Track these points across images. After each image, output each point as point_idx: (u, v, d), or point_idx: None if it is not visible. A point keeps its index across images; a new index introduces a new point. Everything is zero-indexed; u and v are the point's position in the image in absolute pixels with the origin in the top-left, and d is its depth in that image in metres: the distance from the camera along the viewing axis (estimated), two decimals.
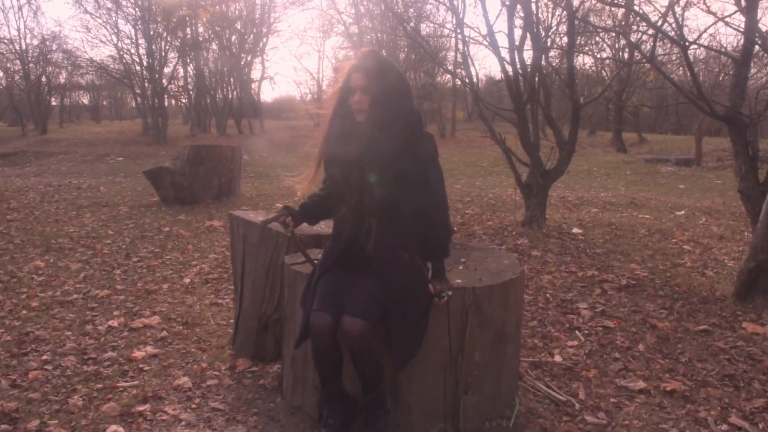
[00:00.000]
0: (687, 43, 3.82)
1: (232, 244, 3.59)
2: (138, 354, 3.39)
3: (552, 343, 3.59)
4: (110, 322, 3.90)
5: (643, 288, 4.59)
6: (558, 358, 3.38)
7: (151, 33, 19.84)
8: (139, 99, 22.60)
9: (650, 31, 4.42)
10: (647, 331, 3.73)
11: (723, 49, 4.48)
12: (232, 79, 27.77)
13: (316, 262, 2.57)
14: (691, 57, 5.57)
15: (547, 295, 4.43)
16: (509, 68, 6.07)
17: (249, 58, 26.78)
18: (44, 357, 3.34)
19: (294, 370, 2.79)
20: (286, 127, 31.44)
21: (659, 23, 3.87)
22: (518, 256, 5.53)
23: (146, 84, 20.70)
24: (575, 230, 6.47)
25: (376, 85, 2.23)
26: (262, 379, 3.11)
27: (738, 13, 4.17)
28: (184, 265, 5.37)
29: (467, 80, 6.65)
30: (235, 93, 26.85)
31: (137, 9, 19.75)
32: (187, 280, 4.89)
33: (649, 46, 4.07)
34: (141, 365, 3.27)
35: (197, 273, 5.13)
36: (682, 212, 8.06)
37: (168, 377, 3.12)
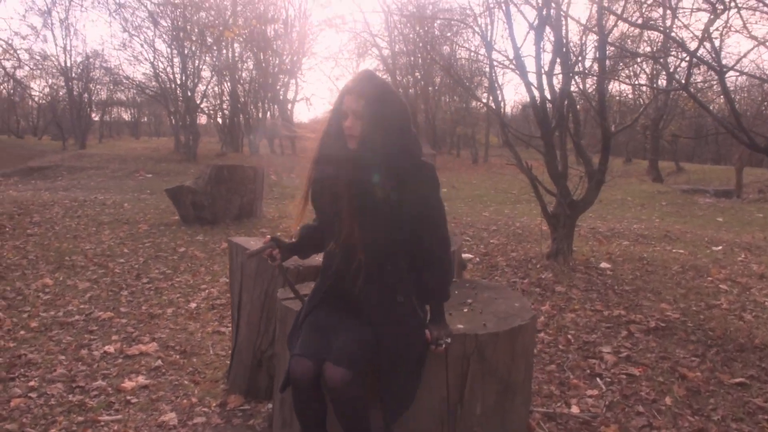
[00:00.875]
0: (724, 69, 3.54)
1: (230, 272, 3.42)
2: (128, 384, 3.23)
3: (570, 392, 3.31)
4: (106, 347, 3.76)
5: (674, 332, 4.26)
6: (575, 409, 3.10)
7: (186, 51, 20.16)
8: (172, 117, 22.95)
9: (686, 57, 4.17)
10: (675, 382, 3.41)
11: (764, 76, 4.19)
12: (266, 99, 28.09)
13: (306, 297, 2.38)
14: (730, 85, 5.28)
15: (569, 336, 4.13)
16: (536, 93, 5.84)
17: (286, 79, 27.04)
18: (31, 383, 3.21)
19: (283, 413, 2.58)
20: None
21: (695, 49, 3.62)
22: (541, 291, 5.25)
23: (179, 102, 21.01)
24: (603, 265, 6.14)
25: (369, 109, 2.04)
26: (253, 419, 2.91)
27: None
28: (193, 289, 5.23)
29: (493, 106, 6.43)
30: (269, 113, 27.09)
31: (173, 29, 20.14)
32: (193, 305, 4.75)
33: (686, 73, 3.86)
34: (129, 397, 3.10)
35: (205, 297, 4.99)
36: (720, 247, 7.64)
37: (154, 412, 2.94)
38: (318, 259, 2.97)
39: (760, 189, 17.99)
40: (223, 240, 7.25)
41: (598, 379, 3.47)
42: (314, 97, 73.79)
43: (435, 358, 2.18)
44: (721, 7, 3.35)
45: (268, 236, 2.39)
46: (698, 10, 3.81)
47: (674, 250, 7.34)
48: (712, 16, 3.39)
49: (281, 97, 27.98)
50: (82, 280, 5.31)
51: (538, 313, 4.57)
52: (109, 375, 3.35)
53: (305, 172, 2.23)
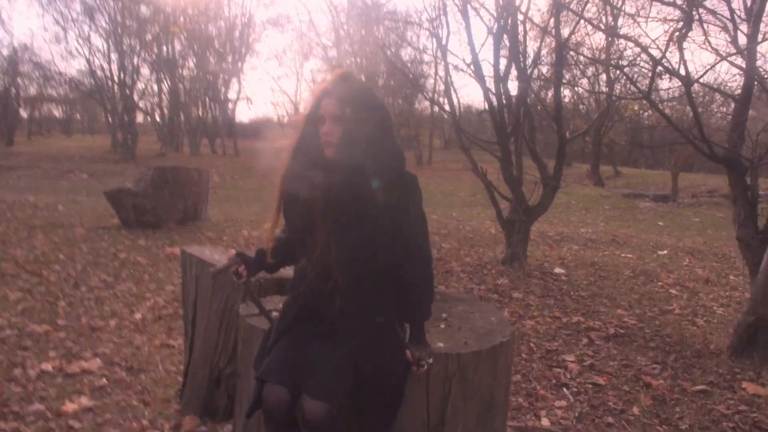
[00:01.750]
0: (692, 80, 3.58)
1: (183, 283, 3.18)
2: (69, 407, 2.94)
3: (538, 403, 3.24)
4: (43, 366, 3.44)
5: (633, 338, 4.28)
6: (545, 422, 3.03)
7: (124, 47, 19.36)
8: (108, 115, 21.99)
9: (643, 66, 4.21)
10: (641, 391, 3.40)
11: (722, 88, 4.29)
12: (207, 98, 27.37)
13: (274, 314, 2.19)
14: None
15: (531, 344, 4.09)
16: (494, 99, 5.82)
17: (226, 78, 26.47)
18: None
19: None
20: (260, 150, 31.08)
21: (660, 57, 3.63)
22: (499, 297, 5.21)
23: (117, 99, 20.13)
24: (558, 270, 6.18)
25: (350, 114, 1.85)
26: None
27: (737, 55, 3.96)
28: (137, 298, 4.92)
29: (448, 109, 6.37)
30: (210, 112, 26.39)
31: (110, 22, 19.30)
32: (138, 316, 4.45)
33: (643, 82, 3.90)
34: (71, 421, 2.82)
35: (150, 307, 4.69)
36: (665, 252, 7.85)
37: None
38: (284, 271, 2.79)
39: (693, 194, 18.80)
40: (166, 245, 6.91)
41: (564, 390, 3.42)
42: (255, 96, 72.88)
43: (415, 380, 2.04)
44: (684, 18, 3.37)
45: (233, 251, 2.17)
46: (664, 20, 3.84)
47: (623, 255, 7.49)
48: (683, 30, 3.41)
49: (222, 96, 27.38)
50: (12, 290, 4.90)
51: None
52: (48, 397, 3.05)
53: (276, 184, 2.01)
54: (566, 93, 17.95)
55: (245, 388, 2.42)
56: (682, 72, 3.73)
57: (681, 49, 3.43)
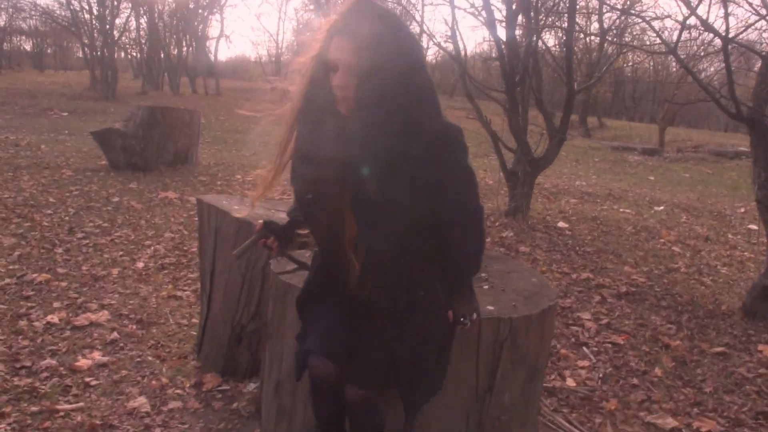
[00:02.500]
0: (729, 37, 3.43)
1: (200, 235, 3.03)
2: (83, 362, 2.83)
3: (560, 362, 3.22)
4: (49, 317, 3.31)
5: (644, 297, 4.27)
6: (571, 382, 3.00)
7: None
8: (87, 50, 21.06)
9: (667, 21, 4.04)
10: (661, 351, 3.39)
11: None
12: (187, 36, 26.37)
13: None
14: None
15: None
16: (503, 46, 5.60)
17: (206, 14, 25.47)
18: None
19: (279, 399, 2.30)
20: (242, 89, 30.25)
21: (688, 16, 3.47)
22: (505, 251, 5.15)
23: (95, 34, 19.25)
24: (561, 224, 6.13)
25: (368, 59, 1.46)
26: (236, 401, 2.62)
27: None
28: (137, 246, 4.75)
29: (454, 54, 6.14)
30: (190, 50, 25.48)
31: None
32: (140, 265, 4.30)
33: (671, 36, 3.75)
34: (87, 378, 2.72)
35: (152, 256, 4.53)
36: (662, 207, 7.86)
37: (120, 396, 2.59)
38: None
39: (678, 148, 18.87)
40: (159, 189, 6.69)
41: (585, 349, 3.39)
42: (234, 34, 70.52)
43: (466, 345, 1.96)
44: None
45: (260, 221, 1.93)
46: None
47: (621, 210, 7.48)
48: None
49: (200, 33, 26.40)
50: (5, 235, 4.69)
51: None
52: (59, 351, 2.93)
53: (279, 135, 1.69)
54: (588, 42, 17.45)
55: (276, 349, 2.32)
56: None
57: (726, 4, 3.27)
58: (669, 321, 3.86)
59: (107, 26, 18.44)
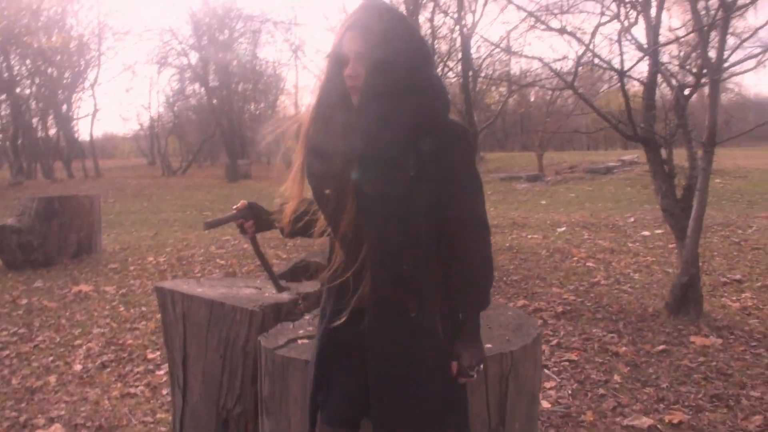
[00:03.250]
0: (624, 71, 3.90)
1: (164, 323, 2.92)
2: None
3: None
4: None
5: (580, 313, 4.59)
6: (546, 404, 3.17)
7: None
8: None
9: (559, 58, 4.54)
10: (613, 359, 3.66)
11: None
12: (54, 118, 25.11)
13: (285, 288, 1.99)
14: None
15: None
16: None
17: (67, 94, 24.36)
18: None
19: None
20: (121, 168, 29.07)
21: (584, 51, 3.92)
22: None
23: None
24: None
25: (377, 48, 1.48)
26: None
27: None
28: (66, 347, 4.43)
29: None
30: (61, 133, 24.23)
31: None
32: (78, 367, 4.01)
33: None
34: None
35: (87, 356, 4.24)
36: (563, 228, 8.45)
37: None
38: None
39: (556, 171, 20.38)
40: (70, 284, 6.27)
41: (546, 371, 3.58)
42: (105, 110, 67.77)
43: (476, 381, 2.05)
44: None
45: (244, 201, 1.88)
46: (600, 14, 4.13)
47: (529, 237, 7.96)
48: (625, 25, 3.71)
49: (74, 114, 25.33)
50: None
51: None
52: None
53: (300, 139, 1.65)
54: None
55: (281, 427, 2.28)
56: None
57: (621, 44, 3.75)
58: (609, 331, 4.17)
59: None
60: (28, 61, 22.51)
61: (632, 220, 8.97)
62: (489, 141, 38.16)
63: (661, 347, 3.78)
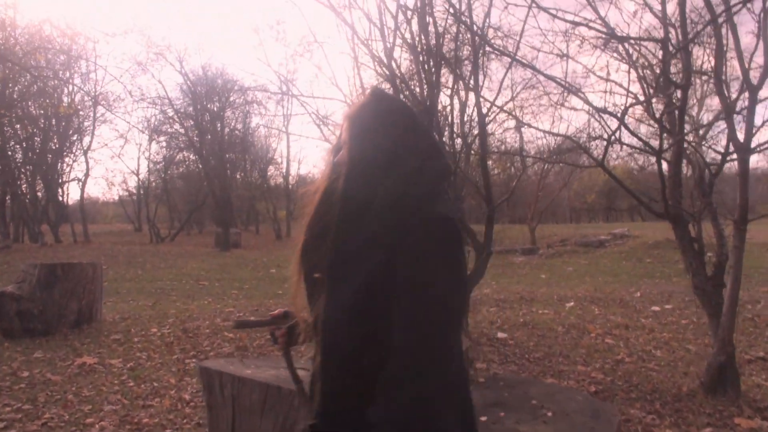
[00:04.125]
0: (662, 151, 3.96)
1: (209, 406, 2.76)
2: None
3: None
4: None
5: (614, 392, 4.46)
6: None
7: None
8: None
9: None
10: None
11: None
12: (44, 183, 24.99)
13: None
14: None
15: None
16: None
17: (53, 159, 24.31)
18: None
19: None
20: (108, 233, 28.75)
21: (614, 131, 4.01)
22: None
23: None
24: (500, 335, 6.32)
25: (357, 132, 1.44)
26: None
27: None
28: (77, 426, 4.16)
29: None
30: (49, 197, 24.01)
31: None
32: None
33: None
34: None
35: None
36: (572, 303, 8.39)
37: None
38: None
39: (548, 244, 20.51)
40: (71, 355, 6.00)
41: None
42: (91, 178, 67.61)
43: None
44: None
45: (281, 309, 1.71)
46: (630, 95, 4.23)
47: (540, 312, 7.87)
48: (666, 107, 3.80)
49: (55, 177, 25.26)
50: None
51: None
52: None
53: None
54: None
55: None
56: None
57: (661, 124, 3.82)
58: (648, 411, 4.04)
59: None
60: (18, 126, 22.58)
61: (638, 295, 8.96)
62: (476, 213, 38.78)
63: (708, 430, 3.66)
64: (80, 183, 24.88)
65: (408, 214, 1.29)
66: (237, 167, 33.21)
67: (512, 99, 6.03)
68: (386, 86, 6.36)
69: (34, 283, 6.88)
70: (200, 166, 24.89)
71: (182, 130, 25.20)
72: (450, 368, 1.18)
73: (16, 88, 19.57)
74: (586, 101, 3.88)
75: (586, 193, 47.50)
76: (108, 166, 50.01)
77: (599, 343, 6.01)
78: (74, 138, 25.19)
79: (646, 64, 4.64)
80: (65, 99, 21.77)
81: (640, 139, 4.09)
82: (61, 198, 26.08)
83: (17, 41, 13.41)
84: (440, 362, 1.17)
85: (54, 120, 23.01)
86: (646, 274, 12.58)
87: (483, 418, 2.32)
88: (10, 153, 22.58)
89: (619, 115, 3.95)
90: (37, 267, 7.06)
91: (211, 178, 23.11)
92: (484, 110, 5.87)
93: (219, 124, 24.95)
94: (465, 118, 6.34)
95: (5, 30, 11.76)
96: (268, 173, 34.87)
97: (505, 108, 5.62)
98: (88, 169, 24.99)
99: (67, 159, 25.82)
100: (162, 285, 11.69)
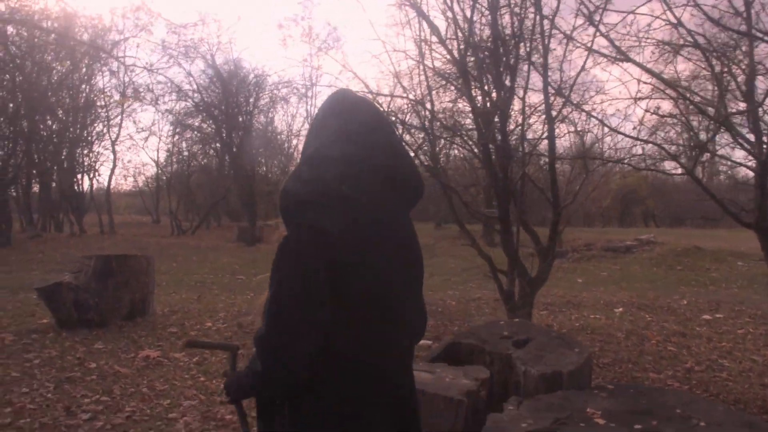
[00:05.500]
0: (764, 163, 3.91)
1: None
2: None
3: None
4: None
5: None
6: None
7: None
8: None
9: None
10: None
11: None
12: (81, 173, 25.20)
13: None
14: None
15: None
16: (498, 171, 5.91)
17: (68, 148, 24.37)
18: None
19: None
20: (126, 224, 28.84)
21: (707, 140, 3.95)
22: None
23: None
24: None
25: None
26: None
27: None
28: (162, 421, 4.16)
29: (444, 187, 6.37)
30: (78, 186, 24.16)
31: None
32: None
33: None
34: None
35: (189, 431, 3.99)
36: (620, 309, 8.32)
37: None
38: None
39: (573, 248, 20.33)
40: (132, 348, 6.00)
41: None
42: (100, 167, 67.64)
43: None
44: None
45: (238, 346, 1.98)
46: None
47: (592, 316, 7.81)
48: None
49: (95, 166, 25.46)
50: None
51: None
52: None
53: None
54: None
55: None
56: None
57: (759, 132, 3.77)
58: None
59: None
60: (48, 117, 22.69)
61: (685, 302, 8.87)
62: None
63: None
64: (94, 174, 25.05)
65: (286, 215, 1.55)
66: (257, 161, 33.25)
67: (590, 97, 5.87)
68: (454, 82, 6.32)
69: (90, 274, 6.90)
70: (227, 159, 24.90)
71: (208, 124, 25.25)
72: (286, 328, 1.48)
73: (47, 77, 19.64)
74: (697, 105, 3.82)
75: (601, 198, 47.31)
76: (124, 158, 50.14)
77: (663, 351, 5.95)
78: (99, 129, 25.34)
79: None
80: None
81: (743, 146, 4.03)
82: (79, 189, 26.23)
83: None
84: (279, 324, 1.49)
85: (77, 112, 23.08)
86: (680, 282, 12.46)
87: (637, 426, 2.29)
88: (41, 145, 22.69)
89: (719, 121, 3.89)
90: (93, 258, 7.09)
91: (238, 172, 23.14)
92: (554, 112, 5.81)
93: (248, 119, 24.93)
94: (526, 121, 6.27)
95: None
96: (288, 168, 34.91)
97: (580, 107, 5.51)
98: (115, 160, 25.09)
99: (94, 150, 26.00)
100: (199, 278, 11.72)
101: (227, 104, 22.89)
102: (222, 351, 1.85)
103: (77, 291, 6.78)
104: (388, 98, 6.37)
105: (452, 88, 7.07)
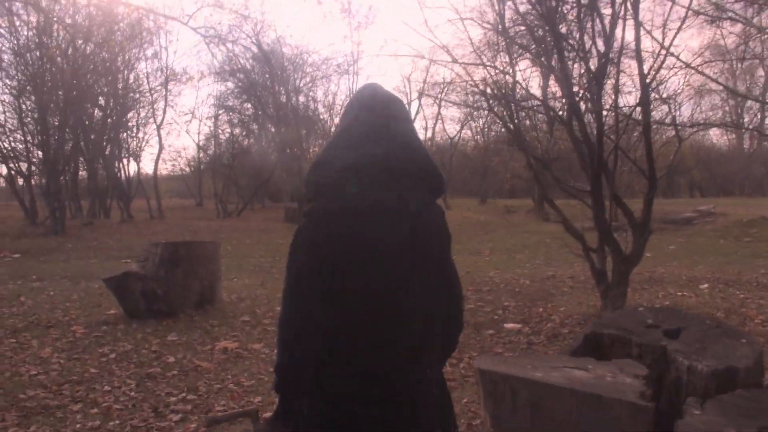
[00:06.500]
0: None
1: (494, 417, 2.39)
2: None
3: None
4: None
5: None
6: None
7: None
8: (24, 180, 19.29)
9: None
10: None
11: None
12: (127, 157, 25.42)
13: None
14: None
15: None
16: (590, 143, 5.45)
17: (112, 134, 24.45)
18: None
19: None
20: (171, 208, 29.03)
21: None
22: None
23: (33, 162, 17.83)
24: None
25: None
26: None
27: None
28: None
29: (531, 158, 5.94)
30: (122, 172, 24.34)
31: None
32: None
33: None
34: None
35: None
36: (706, 285, 7.82)
37: None
38: None
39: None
40: (207, 339, 5.79)
41: None
42: (147, 153, 68.64)
43: None
44: None
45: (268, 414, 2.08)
46: None
47: (679, 293, 7.34)
48: None
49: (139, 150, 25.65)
50: None
51: None
52: None
53: None
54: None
55: None
56: None
57: None
58: None
59: (51, 151, 16.79)
60: (89, 106, 22.76)
61: None
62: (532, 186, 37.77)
63: None
64: (139, 159, 25.11)
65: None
66: (304, 141, 32.99)
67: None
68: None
69: (158, 262, 6.71)
70: (274, 140, 24.70)
71: (253, 103, 25.04)
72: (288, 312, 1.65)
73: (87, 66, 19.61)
74: None
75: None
76: (165, 143, 50.51)
77: None
78: (144, 114, 25.40)
79: None
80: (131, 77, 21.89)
81: None
82: (126, 174, 26.46)
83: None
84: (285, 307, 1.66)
85: (117, 99, 23.09)
86: (754, 254, 11.78)
87: None
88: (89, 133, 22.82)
89: None
90: (160, 246, 6.90)
91: (284, 152, 22.93)
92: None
93: (295, 98, 24.62)
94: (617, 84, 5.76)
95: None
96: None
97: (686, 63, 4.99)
98: (161, 145, 25.15)
99: (139, 134, 26.14)
100: (256, 262, 11.55)
101: (272, 83, 22.59)
102: (243, 418, 2.24)
103: (145, 280, 6.61)
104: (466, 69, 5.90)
105: (528, 56, 6.58)
